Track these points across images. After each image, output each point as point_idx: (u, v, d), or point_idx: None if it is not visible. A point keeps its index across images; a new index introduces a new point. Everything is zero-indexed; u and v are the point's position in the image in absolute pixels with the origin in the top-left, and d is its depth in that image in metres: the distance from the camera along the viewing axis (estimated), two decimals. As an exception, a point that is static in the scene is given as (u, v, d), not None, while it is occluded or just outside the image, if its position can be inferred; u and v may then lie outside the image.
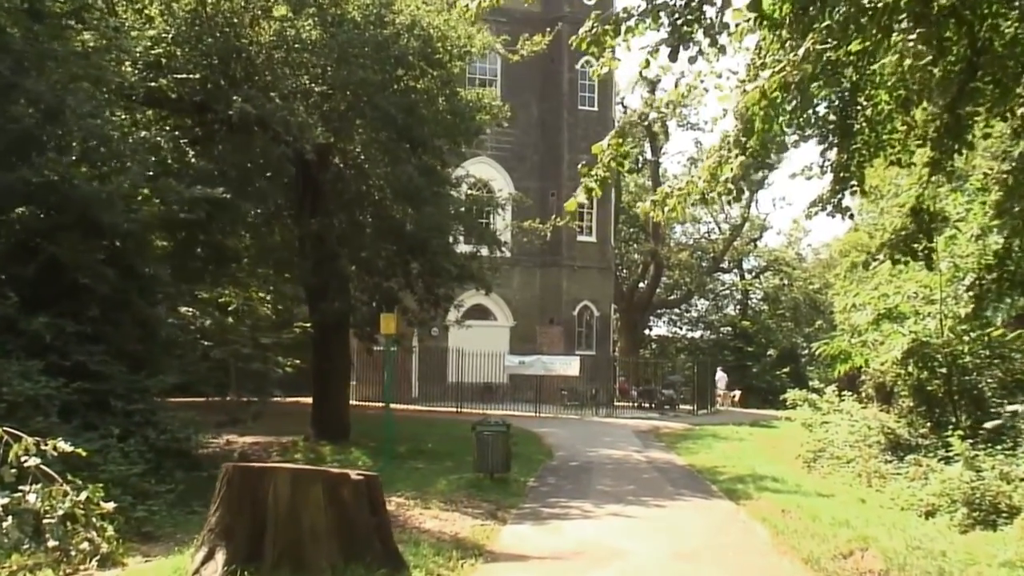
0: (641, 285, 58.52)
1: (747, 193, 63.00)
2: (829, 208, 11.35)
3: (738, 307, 66.10)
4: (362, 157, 19.94)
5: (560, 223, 36.43)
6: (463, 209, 29.15)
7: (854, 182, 11.16)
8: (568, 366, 35.90)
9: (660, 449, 24.21)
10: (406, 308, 23.34)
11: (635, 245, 61.73)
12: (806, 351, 58.72)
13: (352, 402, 37.44)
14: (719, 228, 66.10)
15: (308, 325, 21.40)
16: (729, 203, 10.01)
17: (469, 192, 32.63)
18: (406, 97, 18.86)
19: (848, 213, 11.08)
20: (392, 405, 35.60)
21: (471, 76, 41.84)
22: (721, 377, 46.72)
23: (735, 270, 66.39)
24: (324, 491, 8.34)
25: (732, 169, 9.63)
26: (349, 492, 8.41)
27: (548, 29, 29.73)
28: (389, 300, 21.64)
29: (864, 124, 11.13)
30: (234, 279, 21.45)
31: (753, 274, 66.74)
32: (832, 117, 11.25)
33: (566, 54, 42.85)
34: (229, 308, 22.24)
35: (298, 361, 19.23)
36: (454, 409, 34.13)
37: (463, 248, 30.44)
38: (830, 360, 20.30)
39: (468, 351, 36.77)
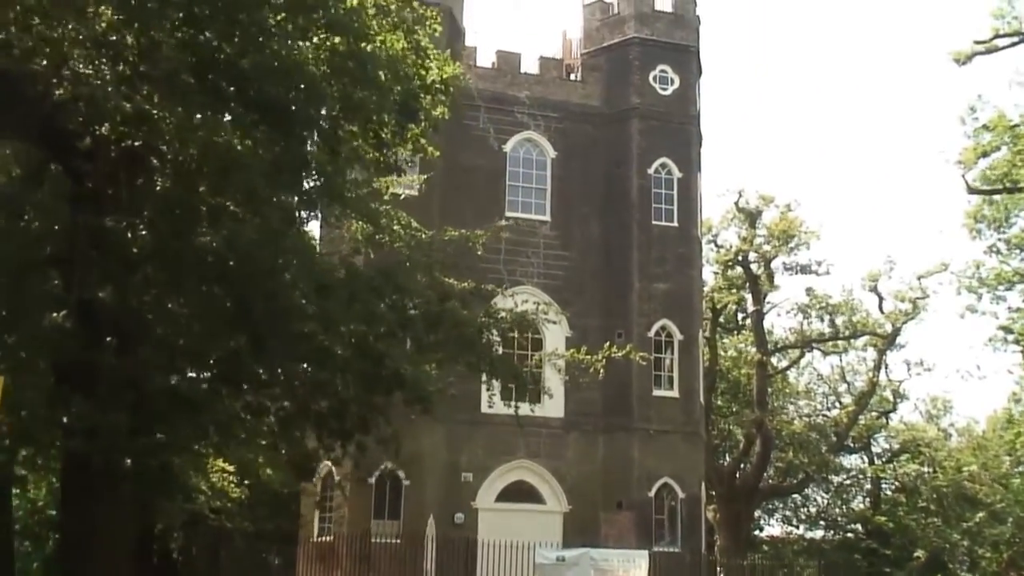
0: (745, 467, 46.80)
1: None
2: None
3: (868, 499, 53.63)
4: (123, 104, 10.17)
5: (620, 354, 25.97)
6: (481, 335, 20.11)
7: None
8: (631, 565, 24.75)
9: None
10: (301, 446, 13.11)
11: (734, 417, 50.50)
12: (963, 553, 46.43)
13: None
14: (839, 401, 54.47)
15: None
16: None
17: (493, 311, 22.90)
18: None
19: None
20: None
21: (512, 183, 33.24)
22: None
23: (862, 452, 54.22)
24: None
25: None
26: None
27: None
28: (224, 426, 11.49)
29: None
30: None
31: (884, 458, 54.41)
32: None
33: (635, 156, 33.83)
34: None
35: None
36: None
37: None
38: None
39: (506, 544, 27.51)
